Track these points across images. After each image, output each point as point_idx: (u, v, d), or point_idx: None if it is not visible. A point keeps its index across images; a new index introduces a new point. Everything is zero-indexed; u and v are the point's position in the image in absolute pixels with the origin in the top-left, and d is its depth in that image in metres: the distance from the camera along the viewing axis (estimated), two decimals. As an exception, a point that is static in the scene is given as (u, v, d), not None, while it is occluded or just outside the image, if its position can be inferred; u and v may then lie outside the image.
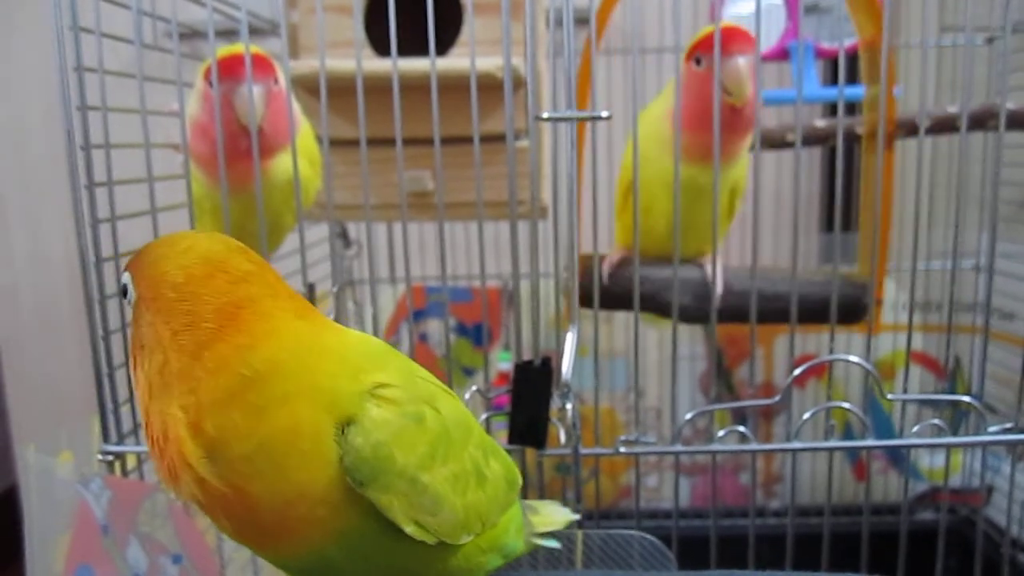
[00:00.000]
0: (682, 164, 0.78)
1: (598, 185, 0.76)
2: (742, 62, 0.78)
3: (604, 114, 0.70)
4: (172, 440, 0.43)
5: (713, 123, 0.76)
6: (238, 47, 0.74)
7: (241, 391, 0.43)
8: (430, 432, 0.47)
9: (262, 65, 0.76)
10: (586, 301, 0.88)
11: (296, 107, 0.83)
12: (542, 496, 0.85)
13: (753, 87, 0.80)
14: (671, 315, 0.82)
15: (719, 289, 0.87)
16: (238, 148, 0.76)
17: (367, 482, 0.44)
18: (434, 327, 1.30)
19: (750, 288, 0.81)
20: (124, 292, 0.47)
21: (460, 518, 0.49)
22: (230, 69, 0.75)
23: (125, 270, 0.47)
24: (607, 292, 0.85)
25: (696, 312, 0.89)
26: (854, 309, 0.86)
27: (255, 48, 0.76)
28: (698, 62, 0.83)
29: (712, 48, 0.76)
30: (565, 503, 0.66)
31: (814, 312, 0.84)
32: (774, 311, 0.82)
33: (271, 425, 0.43)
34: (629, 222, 0.89)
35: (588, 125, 0.76)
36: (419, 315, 1.30)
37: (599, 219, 0.78)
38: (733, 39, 0.78)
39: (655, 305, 0.88)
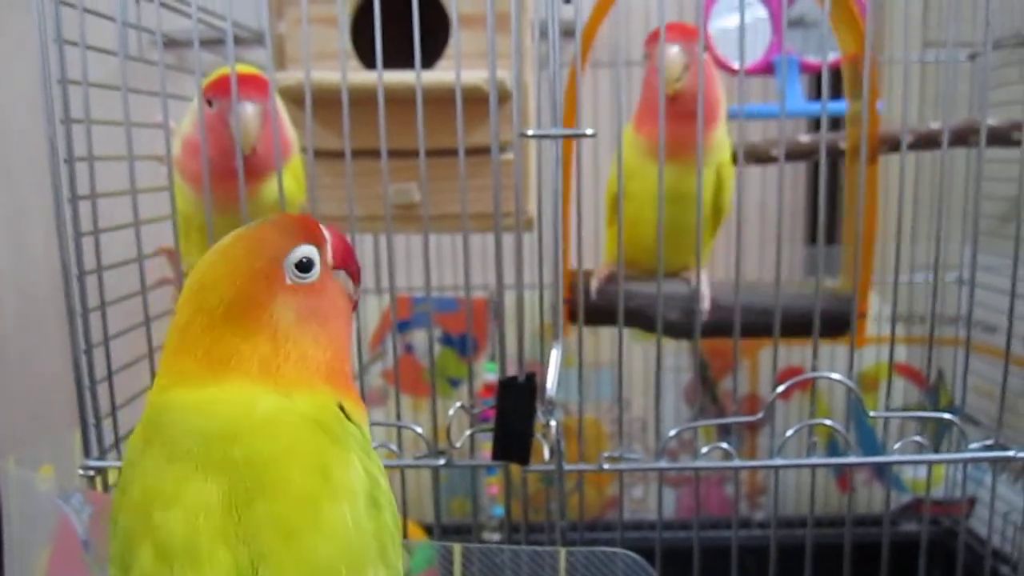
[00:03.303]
0: (664, 166, 0.78)
1: (583, 200, 0.76)
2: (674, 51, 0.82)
3: (589, 131, 0.71)
4: None
5: (663, 114, 0.76)
6: (240, 67, 0.74)
7: None
8: None
9: (259, 85, 0.75)
10: (574, 317, 0.88)
11: (291, 130, 0.83)
12: (527, 510, 0.85)
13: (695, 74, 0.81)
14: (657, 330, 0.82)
15: (706, 304, 0.87)
16: (231, 168, 0.75)
17: None
18: (420, 338, 1.30)
19: (735, 302, 0.81)
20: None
21: None
22: (228, 88, 0.73)
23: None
24: (595, 308, 0.84)
25: (683, 327, 0.88)
26: (838, 323, 0.86)
27: (249, 67, 0.75)
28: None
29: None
30: (549, 516, 0.66)
31: (800, 326, 0.84)
32: (760, 325, 0.82)
33: None
34: (616, 237, 0.89)
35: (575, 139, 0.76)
36: (404, 326, 1.29)
37: (584, 233, 0.78)
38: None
39: (642, 321, 0.88)
